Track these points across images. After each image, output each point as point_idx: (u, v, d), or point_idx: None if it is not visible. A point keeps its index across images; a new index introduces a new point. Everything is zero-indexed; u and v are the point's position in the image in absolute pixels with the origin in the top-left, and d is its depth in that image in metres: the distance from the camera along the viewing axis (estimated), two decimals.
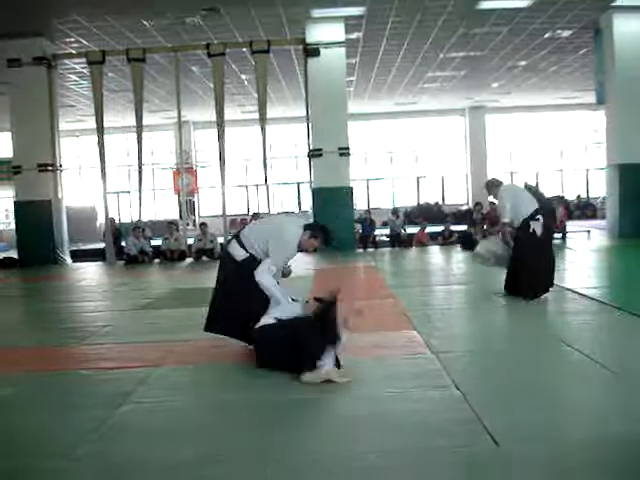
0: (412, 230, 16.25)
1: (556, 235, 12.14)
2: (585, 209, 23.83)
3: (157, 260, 14.33)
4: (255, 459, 3.05)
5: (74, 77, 17.08)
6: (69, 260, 14.72)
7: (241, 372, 4.55)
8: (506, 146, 26.54)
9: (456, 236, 15.36)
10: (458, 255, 12.27)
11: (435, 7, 13.00)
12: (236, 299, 4.89)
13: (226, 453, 3.13)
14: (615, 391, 3.88)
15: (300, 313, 4.57)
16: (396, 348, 5.04)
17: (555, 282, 7.14)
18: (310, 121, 14.16)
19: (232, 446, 3.23)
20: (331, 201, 13.47)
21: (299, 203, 26.30)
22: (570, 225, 16.38)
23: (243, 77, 17.94)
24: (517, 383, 4.05)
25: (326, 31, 13.63)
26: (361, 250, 14.64)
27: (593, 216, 22.44)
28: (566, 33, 15.14)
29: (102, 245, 15.19)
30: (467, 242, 7.72)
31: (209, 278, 10.26)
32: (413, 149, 26.76)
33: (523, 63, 18.15)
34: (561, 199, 18.36)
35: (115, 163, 24.82)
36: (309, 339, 4.21)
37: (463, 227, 16.42)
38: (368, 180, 26.36)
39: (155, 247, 14.74)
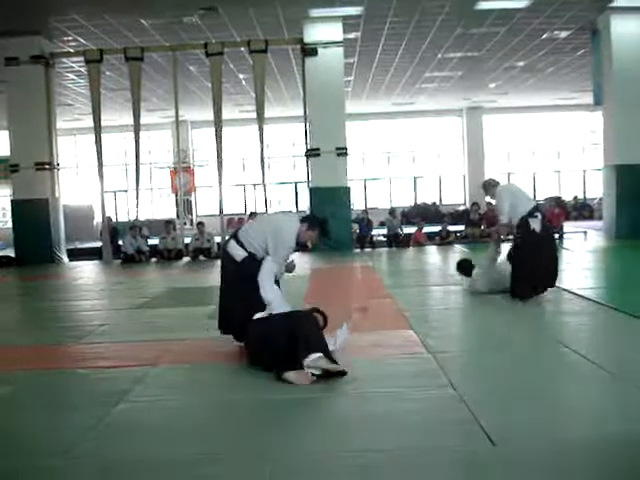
0: (409, 230, 16.26)
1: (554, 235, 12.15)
2: (582, 210, 23.83)
3: (154, 259, 14.31)
4: (253, 458, 3.05)
5: (72, 76, 17.05)
6: (66, 259, 14.70)
7: (238, 371, 4.55)
8: (503, 147, 26.55)
9: (454, 236, 15.43)
10: (455, 255, 12.28)
11: (433, 7, 13.00)
12: (236, 300, 4.91)
13: (224, 452, 3.13)
14: (612, 391, 3.89)
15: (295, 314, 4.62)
16: (393, 348, 5.05)
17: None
18: (308, 121, 14.15)
19: (230, 445, 3.23)
20: (328, 201, 13.45)
21: (296, 203, 26.28)
22: (567, 226, 16.41)
23: (241, 76, 17.93)
24: (514, 383, 4.06)
25: (324, 31, 13.62)
26: (358, 250, 14.62)
27: (590, 217, 22.45)
28: (564, 34, 15.15)
29: (99, 244, 15.16)
30: (466, 270, 7.77)
31: (206, 277, 10.41)
32: (411, 149, 26.76)
33: (521, 64, 18.16)
34: (558, 200, 18.41)
35: (112, 162, 24.82)
36: (306, 327, 4.25)
37: (460, 227, 16.48)
38: (365, 180, 26.33)
39: (152, 246, 14.71)
